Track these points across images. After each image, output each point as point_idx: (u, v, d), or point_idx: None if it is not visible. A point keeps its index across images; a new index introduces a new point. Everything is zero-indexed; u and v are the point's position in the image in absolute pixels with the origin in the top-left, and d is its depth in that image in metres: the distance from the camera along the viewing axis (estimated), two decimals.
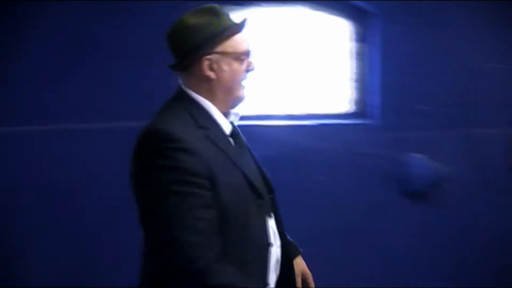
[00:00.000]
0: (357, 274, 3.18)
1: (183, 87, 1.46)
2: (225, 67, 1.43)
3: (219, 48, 1.42)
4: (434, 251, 3.28)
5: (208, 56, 1.41)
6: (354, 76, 3.36)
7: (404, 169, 3.24)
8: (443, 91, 3.31)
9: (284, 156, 3.11)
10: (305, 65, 3.30)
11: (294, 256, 1.68)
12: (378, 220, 3.22)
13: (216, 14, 1.45)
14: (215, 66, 1.42)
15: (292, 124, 3.24)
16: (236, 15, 1.58)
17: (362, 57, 3.35)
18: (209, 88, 1.43)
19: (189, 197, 1.24)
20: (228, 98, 1.47)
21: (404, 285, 3.20)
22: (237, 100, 1.50)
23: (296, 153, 3.17)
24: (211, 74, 1.42)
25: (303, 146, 3.18)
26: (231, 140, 1.48)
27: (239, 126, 1.59)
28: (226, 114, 1.49)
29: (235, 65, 1.45)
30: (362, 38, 3.34)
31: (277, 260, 1.50)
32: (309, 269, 1.76)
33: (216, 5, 1.47)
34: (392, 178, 3.24)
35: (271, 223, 1.50)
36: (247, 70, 1.48)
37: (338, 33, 3.34)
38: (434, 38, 3.34)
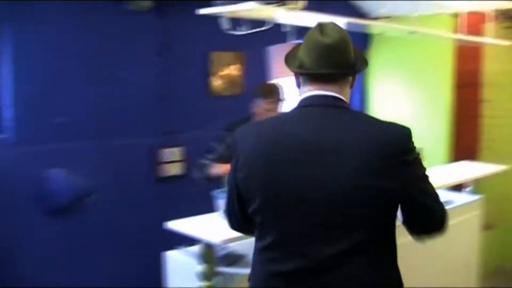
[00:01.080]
0: None
1: (338, 95, 1.53)
2: None
3: None
4: (89, 261, 3.27)
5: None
6: None
7: (45, 186, 3.10)
8: (82, 100, 3.23)
9: None
10: None
11: None
12: (25, 240, 3.06)
13: None
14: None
15: None
16: None
17: None
18: (349, 97, 1.59)
19: None
20: None
21: None
22: None
23: None
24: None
25: None
26: None
27: None
28: None
29: None
30: None
31: None
32: None
33: None
34: (33, 196, 3.06)
35: None
36: None
37: None
38: (71, 46, 3.20)
